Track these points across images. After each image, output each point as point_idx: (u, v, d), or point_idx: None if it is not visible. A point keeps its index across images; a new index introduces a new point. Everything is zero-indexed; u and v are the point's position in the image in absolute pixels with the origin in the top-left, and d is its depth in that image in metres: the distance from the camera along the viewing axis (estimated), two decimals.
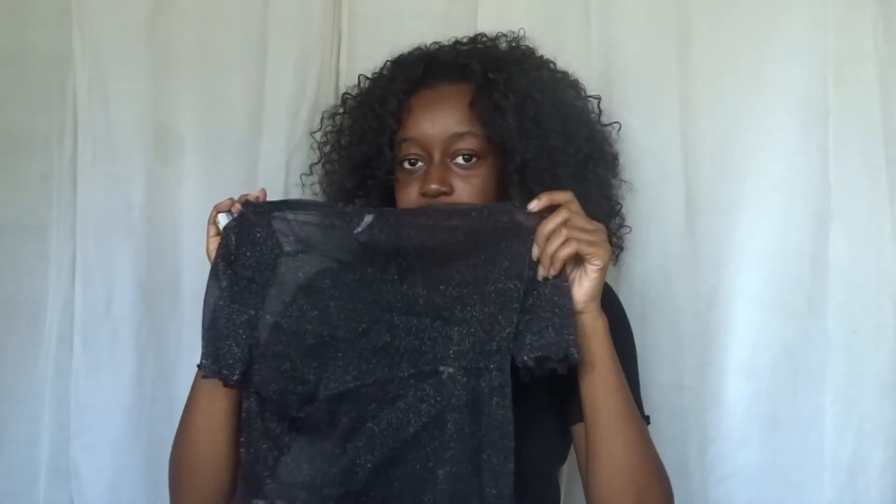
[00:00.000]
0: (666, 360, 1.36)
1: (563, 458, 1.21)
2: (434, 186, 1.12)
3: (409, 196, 1.16)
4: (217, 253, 1.09)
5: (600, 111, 1.29)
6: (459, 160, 1.14)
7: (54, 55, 1.38)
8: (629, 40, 1.38)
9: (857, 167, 1.32)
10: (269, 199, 1.40)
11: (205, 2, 1.41)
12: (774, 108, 1.34)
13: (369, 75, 1.28)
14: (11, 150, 1.37)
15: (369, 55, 1.32)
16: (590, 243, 1.01)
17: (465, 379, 1.02)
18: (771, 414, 1.35)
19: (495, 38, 1.28)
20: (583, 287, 1.02)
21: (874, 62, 1.31)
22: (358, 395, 1.05)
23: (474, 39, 1.28)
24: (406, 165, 1.16)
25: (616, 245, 1.28)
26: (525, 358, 1.00)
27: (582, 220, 1.02)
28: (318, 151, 1.34)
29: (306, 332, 1.07)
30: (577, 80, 1.28)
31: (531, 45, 1.28)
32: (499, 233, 1.04)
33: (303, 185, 1.37)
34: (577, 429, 1.10)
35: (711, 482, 1.37)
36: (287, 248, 1.09)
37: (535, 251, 1.02)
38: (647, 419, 1.13)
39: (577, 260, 1.02)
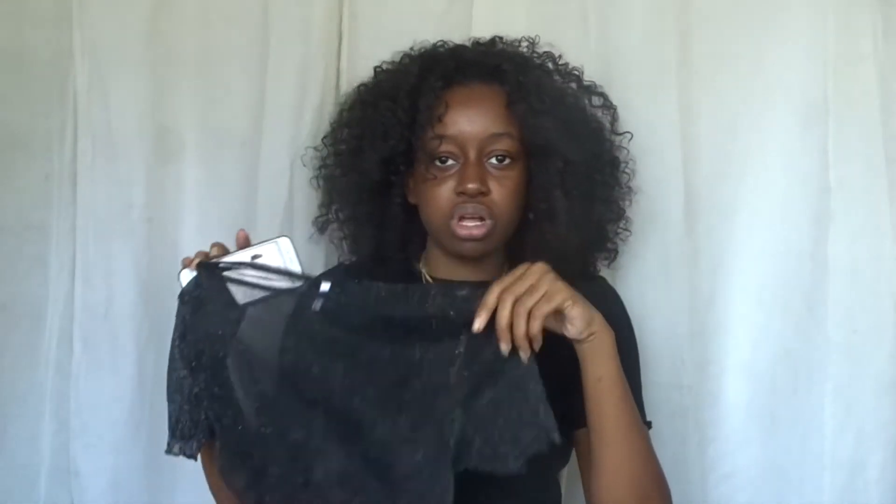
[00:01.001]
0: (665, 359, 1.36)
1: (565, 461, 1.22)
2: (473, 186, 1.12)
3: (443, 193, 1.15)
4: (175, 326, 1.05)
5: (615, 118, 1.29)
6: (493, 160, 1.15)
7: (54, 55, 1.38)
8: (628, 40, 1.38)
9: (857, 167, 1.32)
10: (270, 203, 1.40)
11: (205, 2, 1.41)
12: (774, 108, 1.35)
13: (383, 68, 1.28)
14: (12, 150, 1.37)
15: (370, 55, 1.32)
16: (548, 299, 0.98)
17: None
18: (771, 414, 1.36)
19: (518, 42, 1.28)
20: (575, 325, 1.00)
21: (874, 62, 1.31)
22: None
23: (493, 42, 1.28)
24: (437, 163, 1.16)
25: (611, 249, 1.30)
26: (513, 467, 0.97)
27: (522, 285, 0.99)
28: (328, 145, 1.32)
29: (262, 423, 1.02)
30: (603, 91, 1.29)
31: (553, 52, 1.28)
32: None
33: (316, 176, 1.35)
34: (581, 433, 1.11)
35: (711, 482, 1.37)
36: (245, 311, 1.03)
37: (504, 345, 0.97)
38: (648, 424, 1.14)
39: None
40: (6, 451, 1.38)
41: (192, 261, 1.07)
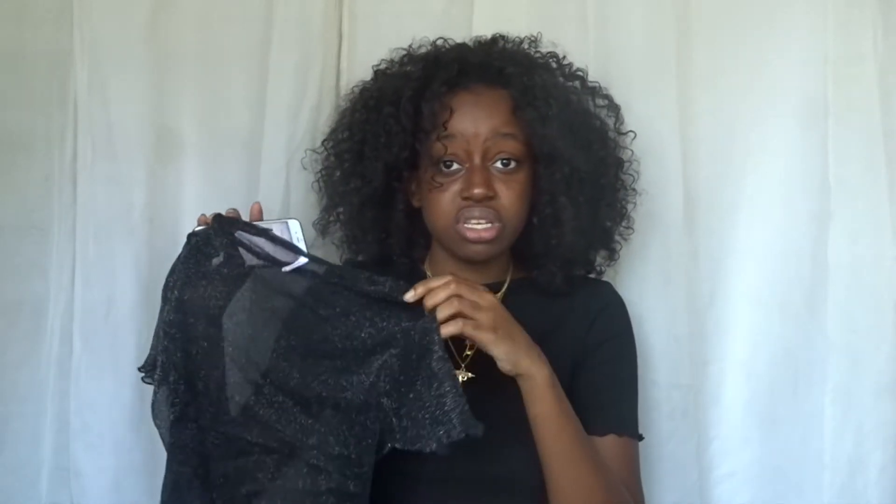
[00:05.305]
0: (665, 359, 1.36)
1: None
2: (480, 191, 1.12)
3: (446, 199, 1.15)
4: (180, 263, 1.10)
5: (619, 119, 1.29)
6: (498, 164, 1.14)
7: (54, 55, 1.38)
8: (627, 40, 1.38)
9: (857, 167, 1.32)
10: (270, 203, 1.39)
11: (206, 2, 1.40)
12: (774, 108, 1.35)
13: (384, 69, 1.28)
14: (12, 151, 1.37)
15: (369, 55, 1.32)
16: (476, 326, 1.00)
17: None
18: (770, 413, 1.36)
19: (521, 41, 1.27)
20: (501, 363, 1.01)
21: (874, 62, 1.31)
22: None
23: (494, 41, 1.27)
24: (441, 168, 1.15)
25: (613, 248, 1.30)
26: (435, 446, 0.96)
27: (470, 296, 1.01)
28: (328, 148, 1.31)
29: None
30: (608, 92, 1.29)
31: (556, 52, 1.28)
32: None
33: (317, 179, 1.35)
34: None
35: (711, 482, 1.38)
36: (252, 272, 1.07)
37: (409, 295, 1.01)
38: (639, 437, 1.17)
39: None
40: (7, 450, 1.38)
41: (206, 219, 1.09)
